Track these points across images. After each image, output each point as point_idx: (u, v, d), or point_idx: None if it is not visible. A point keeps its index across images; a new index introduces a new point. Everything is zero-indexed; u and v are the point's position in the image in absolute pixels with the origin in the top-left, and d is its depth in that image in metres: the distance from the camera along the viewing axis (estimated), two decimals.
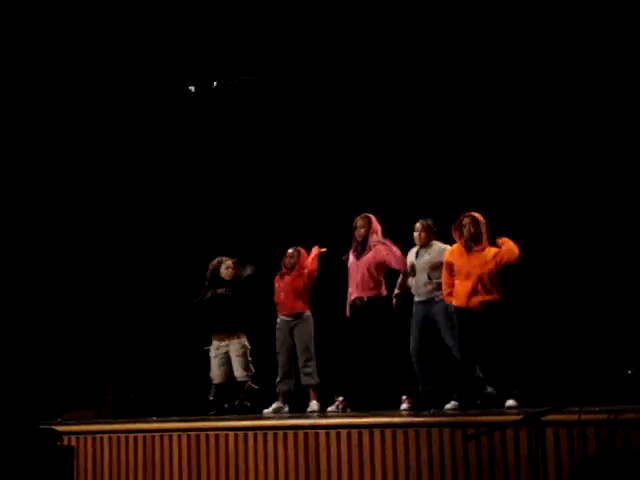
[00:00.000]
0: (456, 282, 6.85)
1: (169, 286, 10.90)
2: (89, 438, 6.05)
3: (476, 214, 6.86)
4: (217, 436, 5.72)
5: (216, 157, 10.23)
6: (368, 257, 7.42)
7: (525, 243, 6.86)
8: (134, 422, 6.34)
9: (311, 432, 5.51)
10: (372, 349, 7.42)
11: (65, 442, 5.70)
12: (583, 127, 8.29)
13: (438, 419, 5.35)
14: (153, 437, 5.87)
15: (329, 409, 7.25)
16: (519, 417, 4.71)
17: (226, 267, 8.36)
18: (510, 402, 6.41)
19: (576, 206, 8.12)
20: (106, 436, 6.00)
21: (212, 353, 8.20)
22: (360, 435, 5.37)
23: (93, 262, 11.18)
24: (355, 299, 7.38)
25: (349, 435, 5.40)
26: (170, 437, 5.82)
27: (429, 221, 7.44)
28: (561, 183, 8.36)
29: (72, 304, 11.21)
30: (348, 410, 7.16)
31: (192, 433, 5.78)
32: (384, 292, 7.47)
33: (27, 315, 10.75)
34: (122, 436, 5.96)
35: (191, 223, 10.65)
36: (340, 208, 8.55)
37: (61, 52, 10.27)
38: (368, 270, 7.36)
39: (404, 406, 7.13)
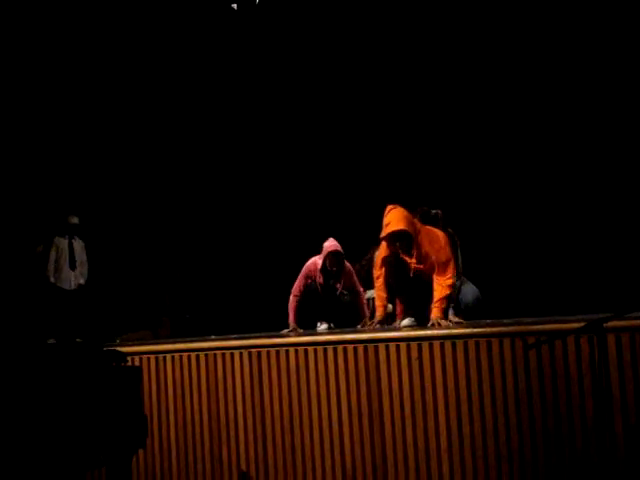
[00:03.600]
0: None
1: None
2: (152, 358, 6.13)
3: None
4: (278, 352, 5.77)
5: None
6: None
7: None
8: (195, 341, 6.41)
9: (370, 346, 5.53)
10: None
11: (129, 363, 5.85)
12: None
13: (498, 329, 5.33)
14: (215, 355, 5.94)
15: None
16: (580, 325, 4.69)
17: None
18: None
19: None
20: (169, 355, 6.09)
21: None
22: (420, 347, 5.38)
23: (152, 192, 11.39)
24: None
25: (408, 347, 5.42)
26: (232, 355, 5.89)
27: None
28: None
29: (126, 231, 11.40)
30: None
31: (253, 350, 5.84)
32: None
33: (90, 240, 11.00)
34: (184, 355, 6.04)
35: None
36: None
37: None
38: None
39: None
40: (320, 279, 7.76)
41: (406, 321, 6.66)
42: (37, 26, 10.51)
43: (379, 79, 9.95)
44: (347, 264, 7.95)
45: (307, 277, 7.84)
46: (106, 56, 11.08)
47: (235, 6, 9.84)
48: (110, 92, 11.31)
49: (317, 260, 7.81)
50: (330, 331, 7.13)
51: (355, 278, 7.90)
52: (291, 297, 7.77)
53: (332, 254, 7.65)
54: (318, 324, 7.87)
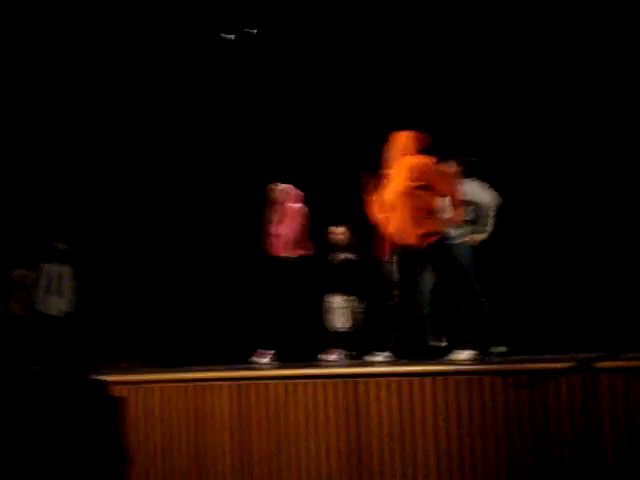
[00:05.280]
0: None
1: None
2: (139, 388, 6.05)
3: None
4: (267, 386, 5.71)
5: None
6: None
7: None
8: (183, 371, 6.33)
9: (360, 381, 5.48)
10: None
11: (113, 392, 5.77)
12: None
13: (490, 367, 5.29)
14: (203, 387, 5.87)
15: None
16: (572, 364, 4.66)
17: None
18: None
19: None
20: (156, 385, 6.01)
21: None
22: (411, 384, 5.33)
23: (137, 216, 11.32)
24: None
25: (400, 384, 5.36)
26: (220, 387, 5.82)
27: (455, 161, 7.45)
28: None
29: (115, 258, 11.34)
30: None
31: (242, 382, 5.78)
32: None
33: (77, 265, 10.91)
34: (172, 386, 5.97)
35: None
36: None
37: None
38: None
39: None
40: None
41: (380, 357, 6.61)
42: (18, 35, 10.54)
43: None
44: (298, 205, 8.25)
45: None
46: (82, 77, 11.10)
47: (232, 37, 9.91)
48: (95, 118, 11.30)
49: None
50: (320, 365, 7.09)
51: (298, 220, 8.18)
52: None
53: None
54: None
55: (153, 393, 6.01)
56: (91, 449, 4.66)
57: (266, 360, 7.94)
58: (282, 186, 8.35)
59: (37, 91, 11.03)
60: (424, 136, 6.77)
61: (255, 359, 7.90)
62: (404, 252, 6.62)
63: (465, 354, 6.35)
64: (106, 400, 4.93)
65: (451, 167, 7.40)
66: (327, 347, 8.43)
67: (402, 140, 6.71)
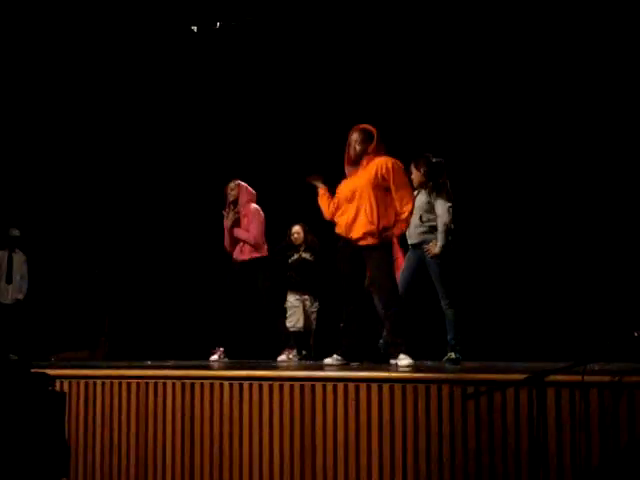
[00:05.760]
0: None
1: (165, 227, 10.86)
2: (81, 382, 5.93)
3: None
4: (212, 385, 5.61)
5: None
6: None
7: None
8: (128, 368, 6.21)
9: (307, 384, 5.40)
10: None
11: (58, 386, 5.65)
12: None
13: (437, 375, 5.23)
14: (147, 384, 5.76)
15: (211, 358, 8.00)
16: (521, 377, 4.61)
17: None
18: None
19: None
20: (99, 381, 5.89)
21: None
22: (357, 389, 5.26)
23: (95, 208, 11.14)
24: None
25: (346, 388, 5.29)
26: (164, 384, 5.71)
27: (421, 161, 7.37)
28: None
29: (72, 245, 11.16)
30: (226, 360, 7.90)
31: (187, 381, 5.67)
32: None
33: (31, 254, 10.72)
34: (115, 382, 5.85)
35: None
36: None
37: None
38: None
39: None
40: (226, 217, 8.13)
41: (330, 360, 6.56)
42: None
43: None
44: (255, 206, 8.14)
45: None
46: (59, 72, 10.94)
47: (195, 28, 9.78)
48: (55, 100, 11.13)
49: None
50: (268, 366, 7.01)
51: (256, 222, 8.15)
52: None
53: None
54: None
55: (95, 389, 5.89)
56: (30, 443, 4.52)
57: (215, 357, 7.89)
58: (241, 184, 8.25)
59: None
60: (378, 132, 6.73)
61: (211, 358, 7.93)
62: (345, 247, 6.62)
63: (403, 361, 6.39)
64: (47, 394, 4.78)
65: (418, 167, 7.35)
66: (281, 348, 8.36)
67: (362, 135, 6.67)
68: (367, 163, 6.59)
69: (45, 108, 11.19)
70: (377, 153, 6.61)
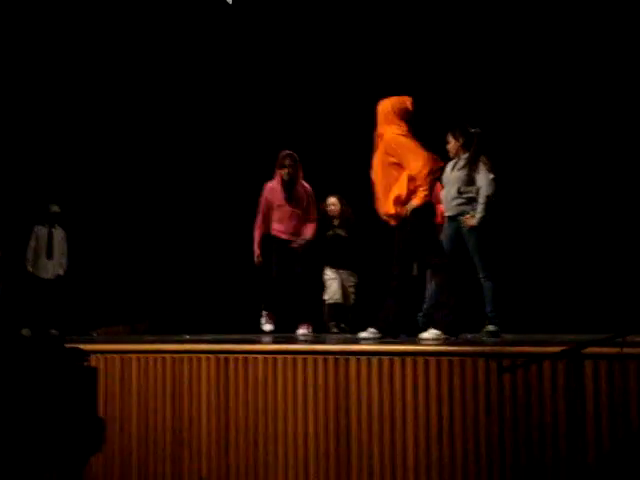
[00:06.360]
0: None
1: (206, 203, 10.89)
2: (117, 358, 5.94)
3: None
4: (246, 359, 5.59)
5: None
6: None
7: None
8: (163, 342, 6.22)
9: (341, 358, 5.36)
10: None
11: (93, 362, 5.66)
12: None
13: (473, 348, 5.16)
14: (182, 358, 5.76)
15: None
16: (559, 349, 4.53)
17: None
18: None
19: None
20: (134, 356, 5.90)
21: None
22: (392, 362, 5.21)
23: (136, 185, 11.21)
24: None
25: (380, 362, 5.24)
26: (199, 359, 5.70)
27: (458, 131, 7.22)
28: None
29: (112, 221, 11.22)
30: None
31: (221, 355, 5.65)
32: None
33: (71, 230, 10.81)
34: (150, 356, 5.85)
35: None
36: None
37: None
38: None
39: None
40: (280, 197, 7.82)
41: (365, 333, 6.50)
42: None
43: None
44: (307, 185, 7.92)
45: (267, 206, 7.89)
46: (87, 51, 10.95)
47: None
48: (89, 82, 11.14)
49: (271, 183, 7.97)
50: (301, 339, 6.99)
51: (314, 205, 7.96)
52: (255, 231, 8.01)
53: (287, 155, 7.77)
54: (298, 330, 7.82)
55: (131, 363, 5.90)
56: (67, 418, 4.54)
57: (303, 331, 7.89)
58: (294, 155, 7.98)
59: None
60: (409, 103, 6.63)
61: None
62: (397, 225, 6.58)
63: (428, 334, 6.34)
64: (79, 369, 4.79)
65: (455, 136, 7.20)
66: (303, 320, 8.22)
67: (385, 108, 6.61)
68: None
69: (85, 93, 11.23)
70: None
